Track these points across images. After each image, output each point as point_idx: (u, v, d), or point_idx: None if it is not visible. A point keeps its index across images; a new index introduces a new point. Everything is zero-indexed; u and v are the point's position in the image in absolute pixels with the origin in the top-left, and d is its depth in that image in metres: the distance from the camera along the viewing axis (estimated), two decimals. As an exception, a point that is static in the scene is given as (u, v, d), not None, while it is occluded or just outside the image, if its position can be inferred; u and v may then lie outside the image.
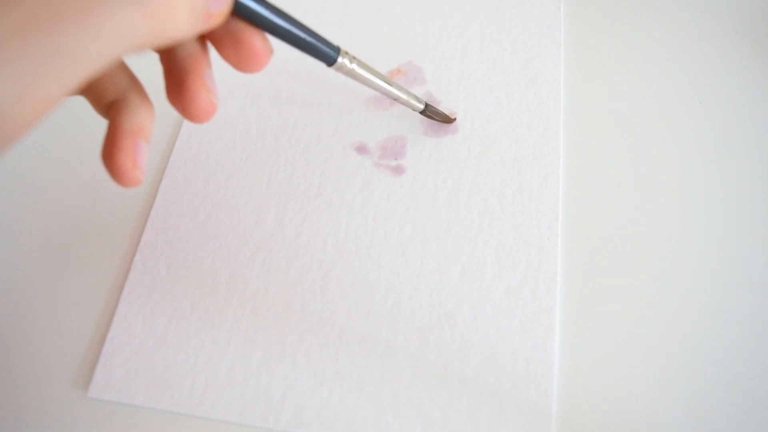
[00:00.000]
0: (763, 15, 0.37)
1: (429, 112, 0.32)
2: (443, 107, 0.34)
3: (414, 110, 0.32)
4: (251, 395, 0.27)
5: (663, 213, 0.31)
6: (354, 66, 0.26)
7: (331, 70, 0.35)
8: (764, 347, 0.28)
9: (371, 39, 0.36)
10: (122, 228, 0.31)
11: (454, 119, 0.33)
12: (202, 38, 0.20)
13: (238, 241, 0.30)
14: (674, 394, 0.27)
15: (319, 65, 0.36)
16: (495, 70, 0.35)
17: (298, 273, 0.29)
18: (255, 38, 0.20)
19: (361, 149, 0.33)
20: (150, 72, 0.21)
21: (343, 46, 0.36)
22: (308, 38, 0.22)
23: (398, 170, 0.32)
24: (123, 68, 0.20)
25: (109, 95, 0.20)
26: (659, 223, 0.31)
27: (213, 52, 0.20)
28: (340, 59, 0.25)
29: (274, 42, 0.21)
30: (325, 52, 0.24)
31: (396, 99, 0.30)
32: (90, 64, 0.15)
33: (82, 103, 0.21)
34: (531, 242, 0.30)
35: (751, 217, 0.31)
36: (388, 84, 0.29)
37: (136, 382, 0.27)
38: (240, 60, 0.20)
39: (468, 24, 0.37)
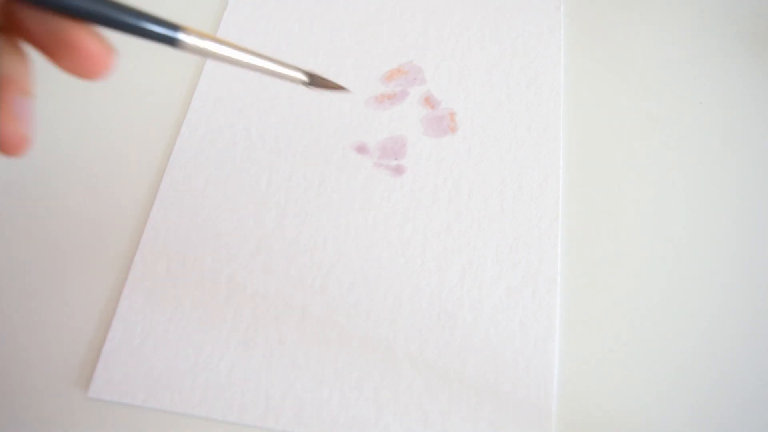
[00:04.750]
0: (763, 15, 0.37)
1: (315, 84, 0.27)
2: (443, 107, 0.34)
3: (299, 84, 0.27)
4: (251, 395, 0.27)
5: (663, 212, 0.31)
6: (207, 43, 0.22)
7: (332, 71, 0.36)
8: (765, 346, 0.28)
9: (371, 39, 0.36)
10: (122, 228, 0.31)
11: (345, 89, 0.29)
12: (23, 57, 0.18)
13: (238, 241, 0.30)
14: (674, 393, 0.27)
15: (322, 65, 0.36)
16: (495, 70, 0.35)
17: (298, 273, 0.29)
18: (86, 39, 0.17)
19: (361, 149, 0.33)
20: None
21: (345, 47, 0.36)
22: (137, 21, 0.19)
23: (398, 170, 0.32)
24: None
25: None
26: (659, 223, 0.31)
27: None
28: (183, 38, 0.21)
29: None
30: (161, 35, 0.20)
31: (274, 75, 0.26)
32: None
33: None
34: (531, 242, 0.30)
35: (752, 215, 0.31)
36: (260, 59, 0.24)
37: (136, 382, 0.27)
38: (78, 67, 0.17)
39: (468, 24, 0.37)
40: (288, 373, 0.27)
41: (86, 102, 0.34)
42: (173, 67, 0.35)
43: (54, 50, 0.17)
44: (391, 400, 0.26)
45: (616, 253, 0.30)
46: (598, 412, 0.26)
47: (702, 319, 0.28)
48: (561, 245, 0.30)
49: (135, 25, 0.19)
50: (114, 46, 0.18)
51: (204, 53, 0.22)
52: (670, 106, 0.34)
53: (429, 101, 0.34)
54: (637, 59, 0.36)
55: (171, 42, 0.21)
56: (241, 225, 0.31)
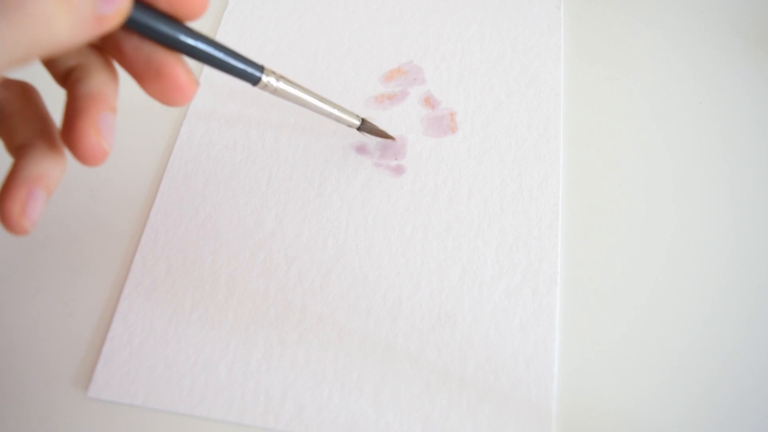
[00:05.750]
0: (763, 15, 0.37)
1: (365, 129, 0.31)
2: (443, 107, 0.34)
3: (350, 127, 0.31)
4: (251, 395, 0.27)
5: (663, 212, 0.31)
6: (281, 84, 0.25)
7: (332, 71, 0.36)
8: (766, 347, 0.28)
9: (371, 39, 0.36)
10: (122, 228, 0.31)
11: (394, 138, 0.33)
12: (114, 76, 0.19)
13: (238, 241, 0.30)
14: (674, 394, 0.27)
15: (322, 65, 0.36)
16: (495, 70, 0.35)
17: (298, 273, 0.29)
18: (177, 69, 0.18)
19: (361, 149, 0.33)
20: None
21: (345, 47, 0.36)
22: (227, 59, 0.21)
23: (398, 170, 0.32)
24: (34, 114, 0.19)
25: (18, 139, 0.19)
26: (659, 223, 0.31)
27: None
28: (264, 78, 0.23)
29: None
30: (247, 72, 0.22)
31: (331, 117, 0.29)
32: None
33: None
34: (531, 242, 0.30)
35: (752, 216, 0.31)
36: (322, 102, 0.28)
37: (136, 382, 0.27)
38: (165, 94, 0.19)
39: (468, 24, 0.37)
40: (288, 373, 0.27)
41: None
42: (173, 67, 0.35)
43: (145, 76, 0.19)
44: (391, 400, 0.26)
45: (616, 253, 0.30)
46: (598, 412, 0.26)
47: (703, 319, 0.28)
48: (561, 245, 0.30)
49: (230, 63, 0.21)
50: (197, 78, 0.19)
51: (277, 93, 0.25)
52: (670, 106, 0.34)
53: (429, 101, 0.34)
54: (637, 59, 0.36)
55: (253, 80, 0.23)
56: (241, 225, 0.31)
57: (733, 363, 0.27)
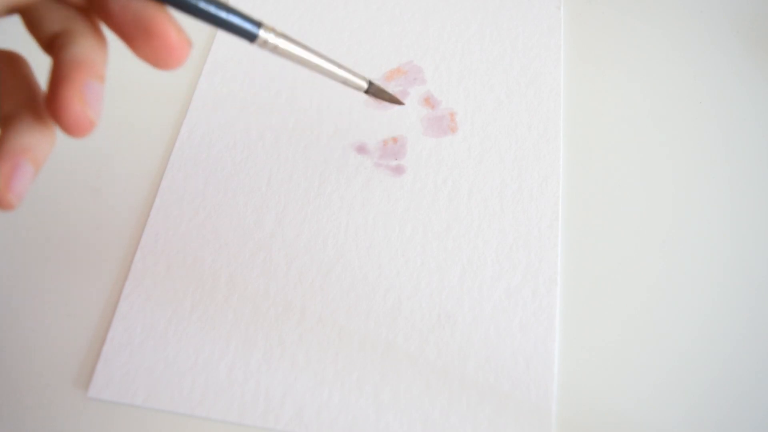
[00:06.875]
0: (763, 15, 0.37)
1: (373, 91, 0.29)
2: (443, 107, 0.34)
3: (358, 90, 0.28)
4: (251, 395, 0.27)
5: (663, 212, 0.31)
6: (280, 41, 0.22)
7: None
8: (766, 348, 0.28)
9: (371, 39, 0.36)
10: (122, 228, 0.31)
11: (403, 103, 0.32)
12: (102, 42, 0.18)
13: (238, 241, 0.30)
14: (674, 394, 0.27)
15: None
16: (495, 70, 0.35)
17: (298, 273, 0.29)
18: (168, 27, 0.17)
19: (361, 149, 0.33)
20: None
21: (345, 47, 0.36)
22: (219, 12, 0.19)
23: (398, 170, 0.32)
24: (22, 84, 0.19)
25: (3, 110, 0.18)
26: (659, 223, 0.31)
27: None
28: (263, 34, 0.21)
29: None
30: (242, 28, 0.20)
31: (336, 79, 0.27)
32: None
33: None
34: (531, 242, 0.30)
35: (751, 216, 0.31)
36: (327, 62, 0.25)
37: (136, 382, 0.27)
38: (156, 55, 0.18)
39: (468, 24, 0.37)
40: (288, 373, 0.27)
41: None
42: (173, 67, 0.35)
43: (134, 36, 0.17)
44: (391, 400, 0.26)
45: (615, 253, 0.30)
46: (598, 412, 0.26)
47: (702, 319, 0.28)
48: (561, 245, 0.30)
49: (222, 17, 0.20)
50: (190, 37, 0.18)
51: (278, 51, 0.23)
52: (670, 106, 0.34)
53: (429, 101, 0.34)
54: (637, 59, 0.36)
55: (250, 37, 0.21)
56: (241, 225, 0.31)
57: (732, 363, 0.27)
